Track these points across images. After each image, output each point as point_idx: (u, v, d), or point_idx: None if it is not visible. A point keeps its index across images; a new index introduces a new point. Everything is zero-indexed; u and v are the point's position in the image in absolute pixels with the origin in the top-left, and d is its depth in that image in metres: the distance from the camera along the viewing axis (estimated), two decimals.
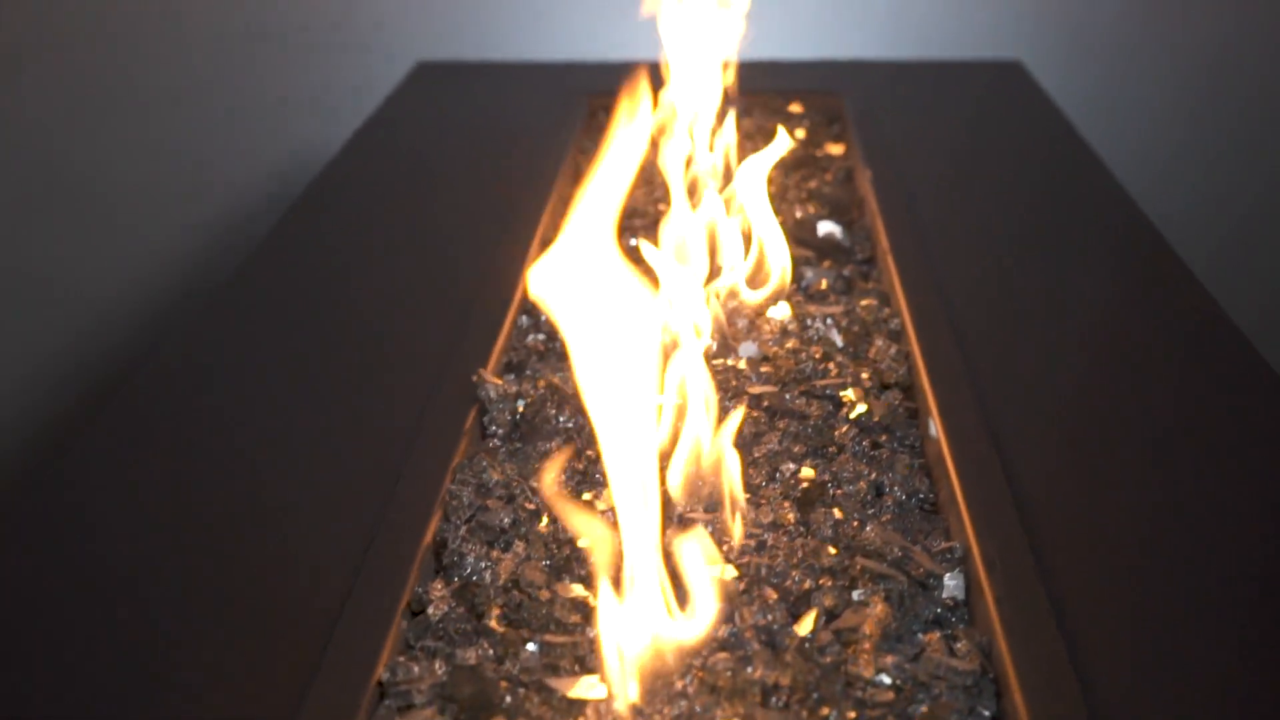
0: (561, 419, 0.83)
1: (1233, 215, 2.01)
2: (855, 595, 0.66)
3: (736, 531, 0.71)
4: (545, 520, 0.73)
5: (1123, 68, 1.94)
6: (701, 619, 0.61)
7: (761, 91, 1.49)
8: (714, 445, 0.74)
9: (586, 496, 0.77)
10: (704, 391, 0.74)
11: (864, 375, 0.88)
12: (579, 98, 1.48)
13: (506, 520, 0.73)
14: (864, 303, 0.99)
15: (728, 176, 1.18)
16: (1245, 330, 0.93)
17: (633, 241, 1.14)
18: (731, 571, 0.68)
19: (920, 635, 0.64)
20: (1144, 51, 1.93)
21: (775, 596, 0.66)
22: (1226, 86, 1.94)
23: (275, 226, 1.17)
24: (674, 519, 0.73)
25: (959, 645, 0.63)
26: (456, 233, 1.15)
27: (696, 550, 0.62)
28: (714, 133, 1.23)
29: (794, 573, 0.68)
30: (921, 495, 0.76)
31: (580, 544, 0.70)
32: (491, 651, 0.63)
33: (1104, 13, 1.91)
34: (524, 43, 1.93)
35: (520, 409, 0.84)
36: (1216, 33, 1.91)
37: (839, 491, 0.75)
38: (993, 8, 1.90)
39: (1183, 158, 1.98)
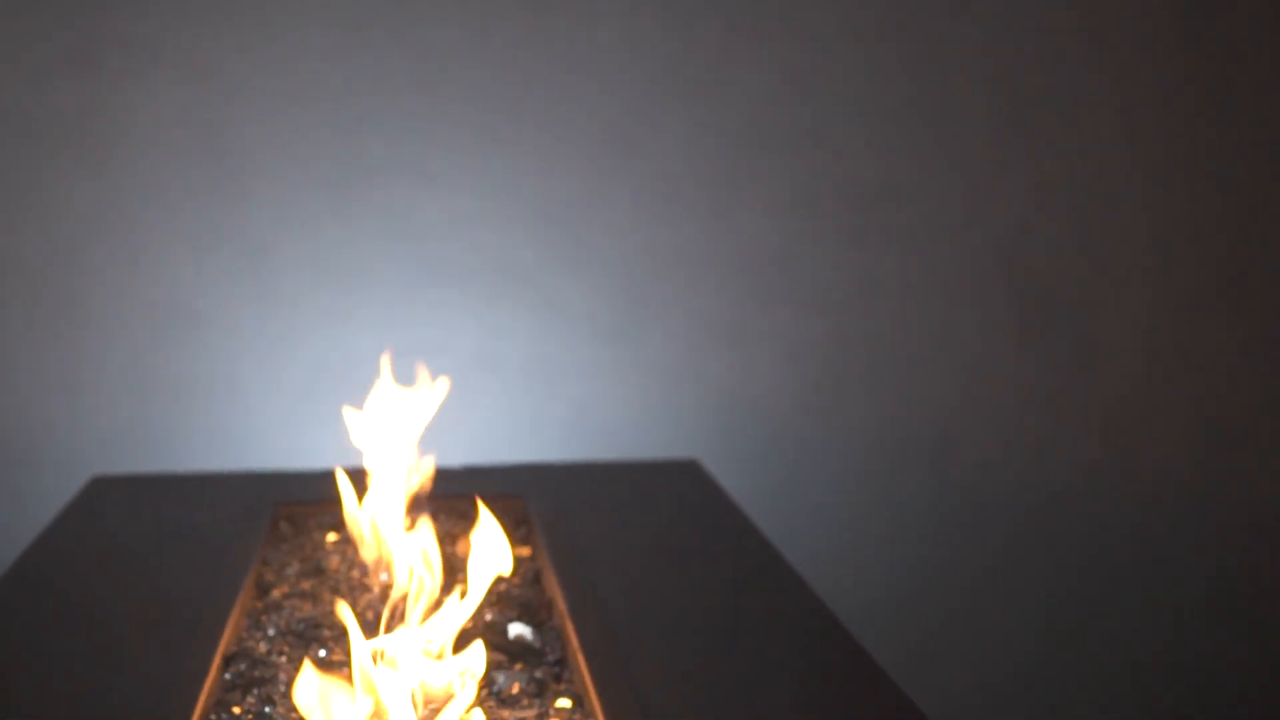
0: None
1: (912, 604, 2.10)
2: None
3: None
4: None
5: (795, 461, 2.04)
6: None
7: (445, 496, 1.50)
8: None
9: None
10: None
11: None
12: (263, 507, 1.46)
13: None
14: (558, 705, 0.99)
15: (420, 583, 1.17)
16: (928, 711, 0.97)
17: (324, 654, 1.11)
18: None
19: None
20: (814, 444, 2.04)
21: None
22: (897, 476, 2.07)
23: None
24: None
25: None
26: (134, 649, 1.09)
27: None
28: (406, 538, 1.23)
29: None
30: None
31: None
32: None
33: (774, 409, 2.02)
34: (204, 453, 1.91)
35: None
36: (886, 421, 2.05)
37: None
38: (668, 409, 2.00)
39: (856, 546, 2.08)
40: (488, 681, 1.03)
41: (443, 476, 1.47)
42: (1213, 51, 2.01)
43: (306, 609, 1.20)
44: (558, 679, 1.07)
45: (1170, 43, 2.00)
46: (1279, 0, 2.01)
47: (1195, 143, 2.03)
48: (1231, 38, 2.01)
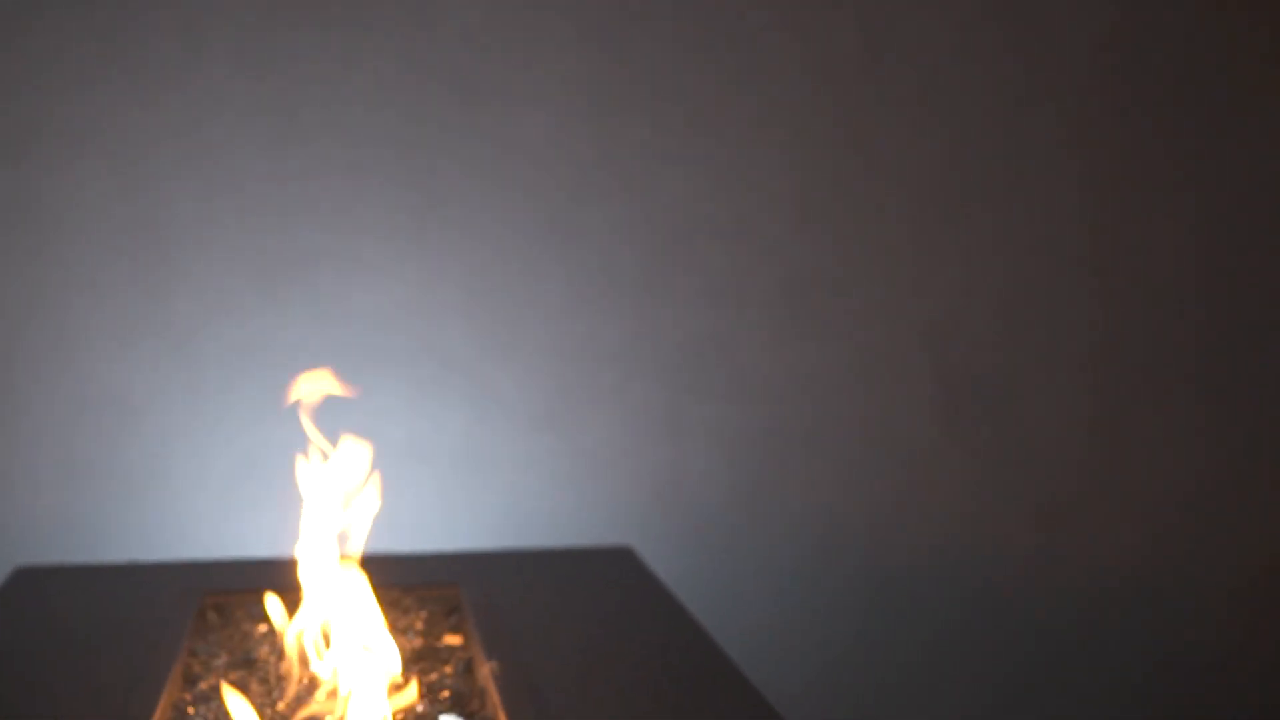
0: None
1: (848, 692, 2.10)
2: None
3: None
4: None
5: (729, 549, 2.04)
6: None
7: (377, 585, 1.49)
8: None
9: None
10: None
11: None
12: (190, 597, 1.44)
13: None
14: None
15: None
16: None
17: None
18: None
19: None
20: (748, 533, 2.04)
21: None
22: (832, 565, 2.07)
23: None
24: None
25: None
26: None
27: None
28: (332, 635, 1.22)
29: None
30: None
31: None
32: None
33: (707, 497, 2.02)
34: (132, 543, 1.88)
35: None
36: (819, 510, 2.06)
37: None
38: (602, 497, 1.99)
39: (791, 635, 2.07)
40: None
41: (374, 565, 1.45)
42: (1140, 139, 2.06)
43: None
44: None
45: (1095, 131, 2.05)
46: (1211, 93, 2.06)
47: (1122, 231, 2.07)
48: (1159, 128, 2.06)
